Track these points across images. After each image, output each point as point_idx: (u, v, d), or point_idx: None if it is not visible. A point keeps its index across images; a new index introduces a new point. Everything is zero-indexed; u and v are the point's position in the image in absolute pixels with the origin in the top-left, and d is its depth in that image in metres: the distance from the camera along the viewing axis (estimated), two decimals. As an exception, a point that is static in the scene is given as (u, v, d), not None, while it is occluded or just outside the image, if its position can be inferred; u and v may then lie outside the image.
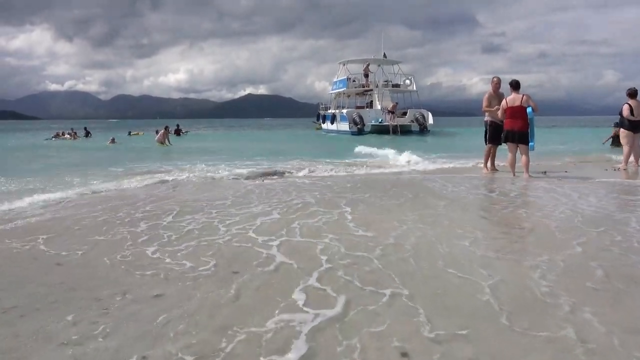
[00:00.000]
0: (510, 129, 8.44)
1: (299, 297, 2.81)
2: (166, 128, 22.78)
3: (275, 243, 4.09)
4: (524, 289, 2.95)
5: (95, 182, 8.40)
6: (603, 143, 17.40)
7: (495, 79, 9.33)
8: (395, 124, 28.49)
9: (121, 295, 2.88)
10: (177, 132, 29.23)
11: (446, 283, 3.06)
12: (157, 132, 24.07)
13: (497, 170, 9.42)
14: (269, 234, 4.39)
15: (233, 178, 8.78)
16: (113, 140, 24.75)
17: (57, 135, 29.33)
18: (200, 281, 3.13)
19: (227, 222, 4.93)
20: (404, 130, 28.52)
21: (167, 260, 3.62)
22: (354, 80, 34.19)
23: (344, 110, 32.13)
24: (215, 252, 3.82)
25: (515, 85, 8.44)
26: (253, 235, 4.40)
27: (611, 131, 17.21)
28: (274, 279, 3.17)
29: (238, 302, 2.77)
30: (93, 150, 20.08)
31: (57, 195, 6.75)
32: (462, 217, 5.19)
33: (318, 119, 40.15)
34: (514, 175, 8.48)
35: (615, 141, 16.64)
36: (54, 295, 2.90)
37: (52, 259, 3.71)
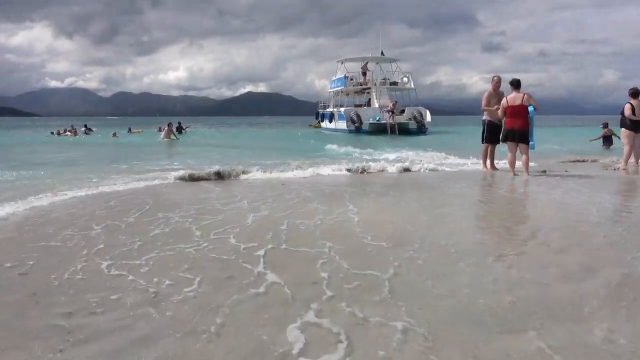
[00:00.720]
0: (510, 128, 8.37)
1: (294, 337, 2.27)
2: (169, 125, 24.11)
3: (261, 253, 3.63)
4: (585, 338, 2.25)
5: (92, 180, 7.98)
6: (590, 141, 17.21)
7: (495, 78, 9.30)
8: (393, 122, 28.33)
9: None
10: (179, 129, 29.57)
11: (477, 327, 2.38)
12: (160, 129, 26.36)
13: (496, 169, 9.36)
14: (255, 240, 3.96)
15: (233, 176, 8.32)
16: (115, 134, 28.48)
17: (58, 133, 30.28)
18: (166, 317, 2.50)
19: (204, 223, 4.37)
20: (402, 129, 28.36)
21: (130, 277, 3.12)
22: (351, 79, 33.93)
23: (342, 109, 31.92)
24: (190, 267, 3.32)
25: (516, 84, 8.39)
26: (234, 241, 3.97)
27: (600, 131, 17.00)
28: (263, 311, 2.56)
29: (214, 350, 2.17)
30: (98, 146, 20.36)
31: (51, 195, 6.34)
32: (480, 223, 4.87)
33: (317, 117, 40.08)
34: (514, 174, 8.38)
35: (606, 142, 16.46)
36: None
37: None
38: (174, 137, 22.94)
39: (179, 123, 30.84)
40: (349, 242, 3.96)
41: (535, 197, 6.62)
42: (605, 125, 16.75)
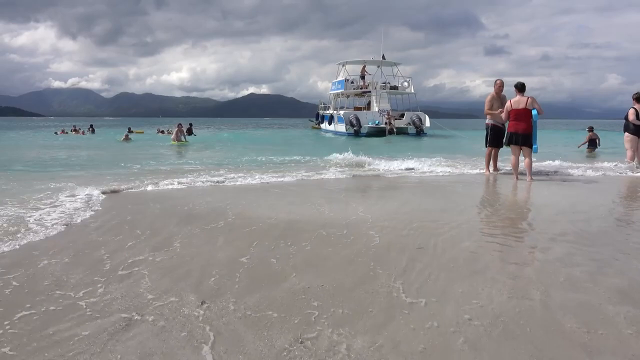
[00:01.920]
0: (514, 131, 8.31)
1: None
2: (179, 126, 22.56)
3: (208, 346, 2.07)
4: None
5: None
6: (578, 147, 17.09)
7: (498, 82, 9.27)
8: (391, 127, 28.38)
9: None
10: (189, 131, 28.44)
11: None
12: (163, 132, 24.44)
13: (498, 171, 9.34)
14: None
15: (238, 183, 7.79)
16: (127, 137, 25.71)
17: (63, 132, 30.74)
18: None
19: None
20: (400, 133, 28.42)
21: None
22: (352, 82, 33.88)
23: (341, 112, 31.84)
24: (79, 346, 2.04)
25: (520, 88, 8.35)
26: (148, 283, 2.63)
27: (586, 135, 16.86)
28: None
29: None
30: (115, 148, 20.17)
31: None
32: (494, 231, 4.34)
33: (317, 118, 40.11)
34: (517, 178, 8.30)
35: (591, 145, 16.35)
36: None
37: None
38: (184, 141, 21.09)
39: (190, 125, 28.49)
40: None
41: (539, 200, 6.51)
42: (591, 129, 16.81)
